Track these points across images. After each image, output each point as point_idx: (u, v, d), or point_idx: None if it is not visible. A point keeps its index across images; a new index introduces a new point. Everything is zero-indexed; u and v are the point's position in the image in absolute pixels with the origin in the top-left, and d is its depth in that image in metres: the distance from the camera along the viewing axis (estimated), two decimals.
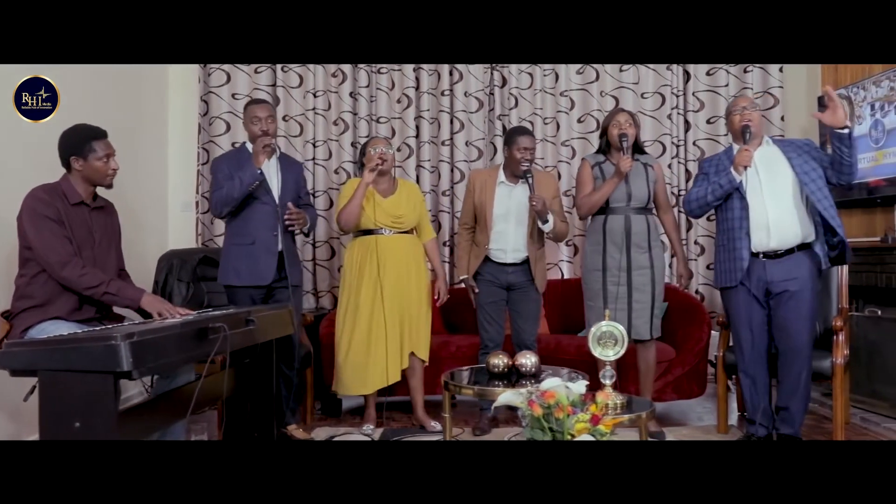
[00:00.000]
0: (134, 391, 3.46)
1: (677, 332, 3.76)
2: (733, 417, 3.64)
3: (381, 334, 3.35)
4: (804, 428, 3.40)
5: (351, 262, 3.44)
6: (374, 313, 3.37)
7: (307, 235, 3.44)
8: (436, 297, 3.55)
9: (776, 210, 2.91)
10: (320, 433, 3.42)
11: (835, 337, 3.12)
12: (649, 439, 3.23)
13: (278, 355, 3.07)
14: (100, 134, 2.54)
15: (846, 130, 2.77)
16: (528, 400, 1.98)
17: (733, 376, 3.44)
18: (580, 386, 2.04)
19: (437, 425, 3.45)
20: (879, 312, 3.62)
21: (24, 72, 2.63)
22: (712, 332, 3.72)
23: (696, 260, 4.58)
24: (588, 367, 3.07)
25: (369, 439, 3.31)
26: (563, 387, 1.93)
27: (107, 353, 1.81)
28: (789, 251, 2.91)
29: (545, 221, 3.28)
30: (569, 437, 1.92)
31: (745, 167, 2.90)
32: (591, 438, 1.87)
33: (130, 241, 3.97)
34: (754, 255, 2.94)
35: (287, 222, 3.18)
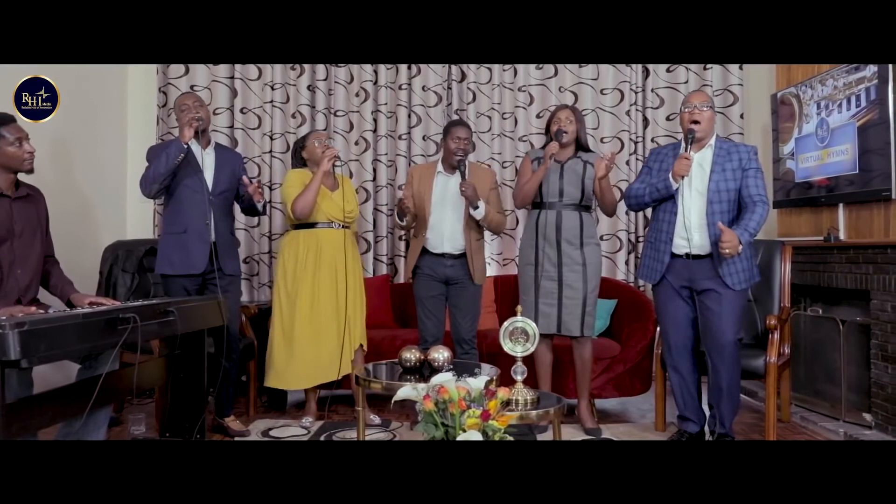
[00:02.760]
0: None
1: (623, 329, 3.76)
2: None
3: (328, 328, 3.36)
4: (743, 426, 3.42)
5: (292, 254, 3.42)
6: (317, 306, 3.37)
7: (262, 213, 3.43)
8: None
9: (699, 216, 2.90)
10: (259, 425, 3.43)
11: (770, 336, 3.12)
12: (588, 437, 3.25)
13: (216, 347, 3.08)
14: (6, 119, 2.48)
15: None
16: (424, 395, 1.99)
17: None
18: (480, 381, 2.04)
19: (375, 418, 3.47)
20: (820, 311, 3.61)
21: (24, 72, 2.61)
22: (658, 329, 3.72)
23: None
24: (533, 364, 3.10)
25: (307, 432, 3.32)
26: (453, 381, 1.93)
27: None
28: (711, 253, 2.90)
29: (475, 207, 3.29)
30: (461, 433, 1.92)
31: (682, 176, 2.87)
32: (479, 435, 1.87)
33: (87, 232, 4.00)
34: (677, 255, 2.95)
35: (252, 194, 3.19)
